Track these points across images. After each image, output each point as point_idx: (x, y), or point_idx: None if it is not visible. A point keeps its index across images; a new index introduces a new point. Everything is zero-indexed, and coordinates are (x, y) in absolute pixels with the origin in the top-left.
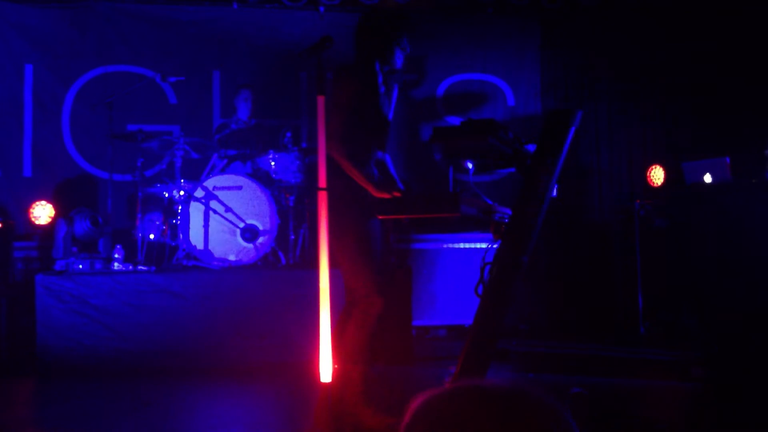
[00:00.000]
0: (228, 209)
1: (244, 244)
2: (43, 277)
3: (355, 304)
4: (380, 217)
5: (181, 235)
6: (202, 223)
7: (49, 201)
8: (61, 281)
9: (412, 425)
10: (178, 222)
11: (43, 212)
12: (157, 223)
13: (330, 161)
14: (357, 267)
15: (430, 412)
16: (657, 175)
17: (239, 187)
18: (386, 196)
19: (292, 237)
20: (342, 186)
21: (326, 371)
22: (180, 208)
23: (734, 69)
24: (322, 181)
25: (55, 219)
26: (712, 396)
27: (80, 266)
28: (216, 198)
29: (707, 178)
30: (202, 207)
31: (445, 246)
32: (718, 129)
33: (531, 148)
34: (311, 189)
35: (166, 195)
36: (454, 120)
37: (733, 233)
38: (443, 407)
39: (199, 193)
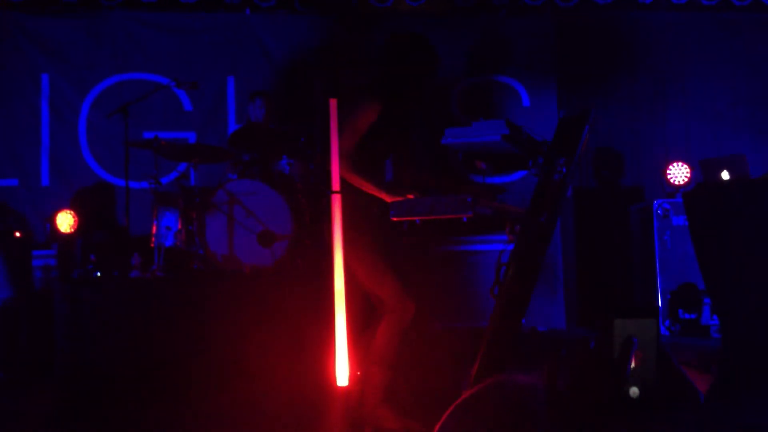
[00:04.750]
0: (244, 214)
1: (261, 248)
2: (61, 285)
3: (389, 312)
4: (394, 219)
5: (198, 241)
6: (218, 229)
7: (67, 209)
8: (79, 289)
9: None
10: (195, 228)
11: (62, 221)
12: (174, 229)
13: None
14: (380, 278)
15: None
16: (677, 172)
17: (255, 192)
18: (399, 198)
19: (308, 241)
20: (351, 201)
21: (342, 375)
22: (196, 214)
23: None
24: (336, 185)
25: (74, 228)
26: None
27: (98, 274)
28: (232, 203)
29: (725, 175)
30: (218, 213)
31: (461, 248)
32: (737, 126)
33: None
34: (316, 193)
35: (183, 202)
36: (469, 122)
37: (749, 232)
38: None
39: (215, 198)
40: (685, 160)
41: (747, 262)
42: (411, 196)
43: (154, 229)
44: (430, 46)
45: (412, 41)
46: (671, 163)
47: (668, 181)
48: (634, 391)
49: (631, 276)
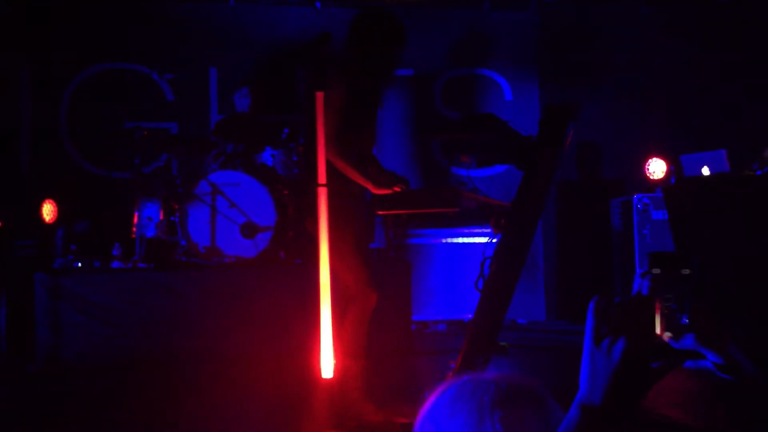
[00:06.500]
0: (226, 205)
1: (244, 240)
2: (42, 276)
3: (351, 300)
4: (380, 213)
5: (180, 232)
6: (200, 219)
7: (48, 199)
8: (60, 279)
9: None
10: (177, 219)
11: (43, 211)
12: (156, 220)
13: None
14: (348, 263)
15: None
16: (656, 167)
17: (238, 184)
18: (386, 191)
19: (291, 233)
20: (331, 187)
21: (327, 367)
22: (178, 204)
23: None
24: (322, 177)
25: (55, 217)
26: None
27: (79, 264)
28: (215, 194)
29: (705, 171)
30: (201, 204)
31: (443, 240)
32: (718, 121)
33: None
34: (303, 185)
35: (164, 192)
36: (453, 116)
37: (728, 227)
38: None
39: (197, 189)
40: (664, 156)
41: (725, 256)
42: (398, 189)
43: (136, 219)
44: (391, 21)
45: (373, 17)
46: (650, 157)
47: (647, 176)
48: (667, 334)
49: (611, 269)
